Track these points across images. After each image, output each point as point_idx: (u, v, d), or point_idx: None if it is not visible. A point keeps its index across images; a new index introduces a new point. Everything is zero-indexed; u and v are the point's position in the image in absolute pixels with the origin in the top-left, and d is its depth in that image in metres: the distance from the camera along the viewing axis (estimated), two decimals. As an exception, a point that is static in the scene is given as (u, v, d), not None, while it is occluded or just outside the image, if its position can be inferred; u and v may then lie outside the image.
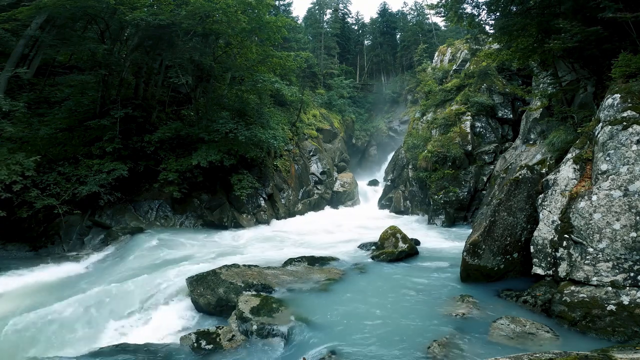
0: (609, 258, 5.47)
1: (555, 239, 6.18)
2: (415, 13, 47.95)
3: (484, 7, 10.96)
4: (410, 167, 19.91)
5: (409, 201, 19.91)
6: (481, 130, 17.48)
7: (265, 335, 5.48)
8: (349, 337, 5.17)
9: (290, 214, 18.81)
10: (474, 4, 11.11)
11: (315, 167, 23.39)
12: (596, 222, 5.69)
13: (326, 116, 29.39)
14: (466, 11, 11.29)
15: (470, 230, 8.78)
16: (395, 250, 9.66)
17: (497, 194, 7.95)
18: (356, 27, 52.57)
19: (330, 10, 46.14)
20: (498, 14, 10.69)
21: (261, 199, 16.67)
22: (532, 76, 14.86)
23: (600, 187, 5.82)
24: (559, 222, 6.22)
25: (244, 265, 8.06)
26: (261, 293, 6.81)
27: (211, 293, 6.90)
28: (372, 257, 9.69)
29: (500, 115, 17.83)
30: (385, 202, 22.39)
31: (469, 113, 17.68)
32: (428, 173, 17.25)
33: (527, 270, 6.80)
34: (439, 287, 7.28)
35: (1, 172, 9.72)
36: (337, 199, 23.67)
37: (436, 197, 16.26)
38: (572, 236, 5.94)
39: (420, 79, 26.47)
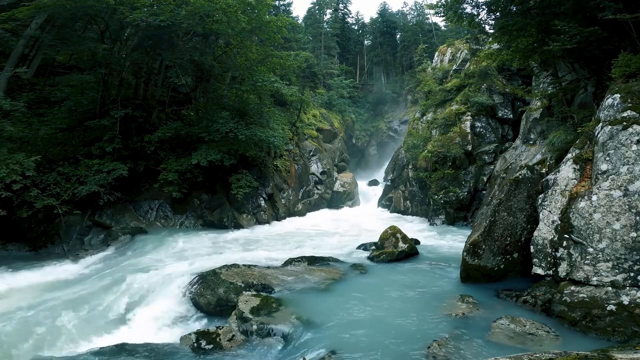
0: (609, 258, 5.47)
1: (555, 239, 6.18)
2: (415, 13, 48.01)
3: (483, 7, 10.94)
4: (410, 167, 19.91)
5: (409, 201, 19.91)
6: (481, 130, 17.48)
7: (265, 335, 5.48)
8: (349, 337, 5.17)
9: (291, 214, 18.80)
10: (474, 4, 11.09)
11: (315, 167, 23.39)
12: (596, 222, 5.69)
13: (326, 116, 29.39)
14: (466, 11, 11.27)
15: (470, 230, 8.78)
16: (395, 250, 9.66)
17: (497, 194, 7.95)
18: (356, 27, 52.57)
19: (330, 10, 46.15)
20: (498, 14, 10.68)
21: (261, 199, 16.67)
22: (532, 76, 14.86)
23: (600, 187, 5.82)
24: (559, 222, 6.21)
25: (244, 265, 8.06)
26: (261, 293, 6.81)
27: (211, 293, 6.91)
28: (372, 257, 9.69)
29: (500, 115, 17.83)
30: (385, 202, 22.40)
31: (469, 113, 17.67)
32: (428, 173, 17.25)
33: (527, 270, 6.80)
34: (439, 287, 7.28)
35: (1, 171, 9.73)
36: (337, 199, 23.66)
37: (436, 197, 16.26)
38: (572, 236, 5.94)
39: (420, 79, 26.42)
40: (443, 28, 43.52)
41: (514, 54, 10.74)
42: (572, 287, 5.70)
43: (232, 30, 14.63)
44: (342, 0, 48.14)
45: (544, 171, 8.12)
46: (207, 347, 5.32)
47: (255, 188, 15.62)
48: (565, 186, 6.51)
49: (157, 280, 7.92)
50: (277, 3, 33.93)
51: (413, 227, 15.78)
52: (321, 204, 22.34)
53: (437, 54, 26.80)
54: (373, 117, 39.66)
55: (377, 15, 50.45)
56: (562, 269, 5.96)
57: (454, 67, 22.50)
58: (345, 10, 49.09)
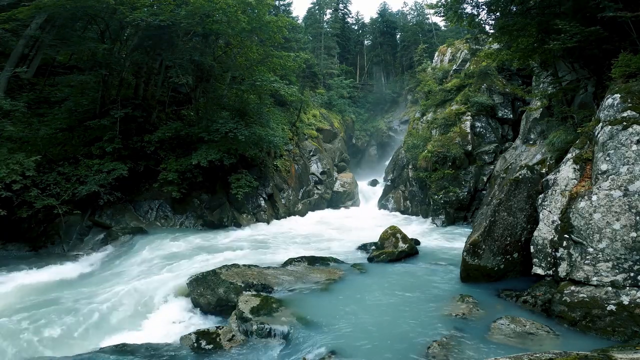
0: (609, 258, 5.47)
1: (555, 239, 6.18)
2: (415, 13, 48.00)
3: (484, 7, 10.94)
4: (410, 167, 19.90)
5: (409, 201, 19.91)
6: (481, 130, 17.48)
7: (265, 335, 5.48)
8: (349, 337, 5.17)
9: (291, 213, 18.81)
10: (474, 3, 11.09)
11: (315, 167, 23.39)
12: (596, 222, 5.68)
13: (326, 116, 29.38)
14: (466, 11, 11.26)
15: (470, 230, 8.78)
16: (395, 250, 9.66)
17: (497, 194, 7.95)
18: (356, 27, 52.54)
19: (330, 10, 46.13)
20: (498, 14, 10.67)
21: (261, 198, 16.67)
22: (532, 76, 14.86)
23: (600, 187, 5.81)
24: (559, 222, 6.21)
25: (244, 265, 8.06)
26: (261, 293, 6.81)
27: (211, 293, 6.90)
28: (372, 257, 9.68)
29: (500, 115, 17.83)
30: (385, 202, 22.39)
31: (469, 113, 17.67)
32: (428, 173, 17.25)
33: (527, 270, 6.80)
34: (439, 287, 7.28)
35: (1, 171, 9.73)
36: (337, 199, 23.66)
37: (436, 197, 16.26)
38: (572, 236, 5.94)
39: (420, 79, 26.42)
40: (443, 28, 43.49)
41: (514, 54, 10.74)
42: (572, 287, 5.70)
43: (232, 30, 14.63)
44: (342, 0, 48.14)
45: (544, 171, 8.12)
46: (207, 347, 5.32)
47: (255, 188, 15.61)
48: (565, 186, 6.51)
49: (157, 280, 7.92)
50: (277, 3, 33.90)
51: (413, 227, 15.78)
52: (321, 204, 22.34)
53: (437, 54, 26.80)
54: (373, 117, 39.62)
55: (377, 15, 50.41)
56: (562, 269, 5.96)
57: (454, 67, 22.50)
58: (345, 10, 49.06)
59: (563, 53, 9.22)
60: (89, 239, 12.06)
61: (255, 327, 5.57)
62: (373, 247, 10.71)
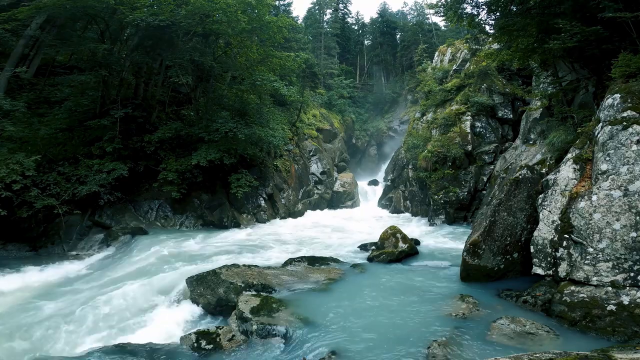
0: (609, 258, 5.47)
1: (555, 239, 6.18)
2: (415, 13, 48.07)
3: (483, 7, 10.94)
4: (410, 167, 19.90)
5: (409, 201, 19.91)
6: (481, 130, 17.47)
7: (265, 335, 5.47)
8: (349, 337, 5.17)
9: (291, 213, 18.81)
10: (473, 3, 11.09)
11: (315, 167, 23.38)
12: (596, 222, 5.68)
13: (326, 116, 29.37)
14: (466, 11, 11.26)
15: (470, 230, 8.78)
16: (395, 250, 9.66)
17: (497, 194, 7.95)
18: (356, 27, 52.53)
19: (330, 10, 46.12)
20: (498, 14, 10.67)
21: (261, 198, 16.68)
22: (532, 76, 14.86)
23: (600, 187, 5.81)
24: (559, 222, 6.21)
25: (244, 265, 8.06)
26: (261, 293, 6.81)
27: (211, 293, 6.90)
28: (372, 257, 9.68)
29: (500, 115, 17.83)
30: (385, 202, 22.39)
31: (469, 113, 17.67)
32: (428, 173, 17.25)
33: (527, 270, 6.80)
34: (439, 287, 7.28)
35: (1, 171, 9.73)
36: (337, 199, 23.66)
37: (436, 197, 16.25)
38: (572, 236, 5.94)
39: (420, 79, 26.41)
40: (443, 28, 43.45)
41: (514, 53, 10.75)
42: (572, 287, 5.70)
43: (232, 30, 14.65)
44: (342, 0, 48.13)
45: (544, 171, 8.12)
46: (207, 347, 5.32)
47: (255, 188, 15.61)
48: (565, 186, 6.51)
49: (157, 281, 7.92)
50: (277, 3, 33.93)
51: (413, 227, 15.78)
52: (321, 204, 22.34)
53: (437, 54, 26.79)
54: (373, 117, 39.60)
55: (377, 15, 50.35)
56: (562, 269, 5.96)
57: (454, 67, 22.49)
58: (345, 10, 49.03)
59: (563, 53, 9.22)
60: (89, 239, 12.06)
61: (255, 327, 5.57)
62: (373, 247, 10.71)
